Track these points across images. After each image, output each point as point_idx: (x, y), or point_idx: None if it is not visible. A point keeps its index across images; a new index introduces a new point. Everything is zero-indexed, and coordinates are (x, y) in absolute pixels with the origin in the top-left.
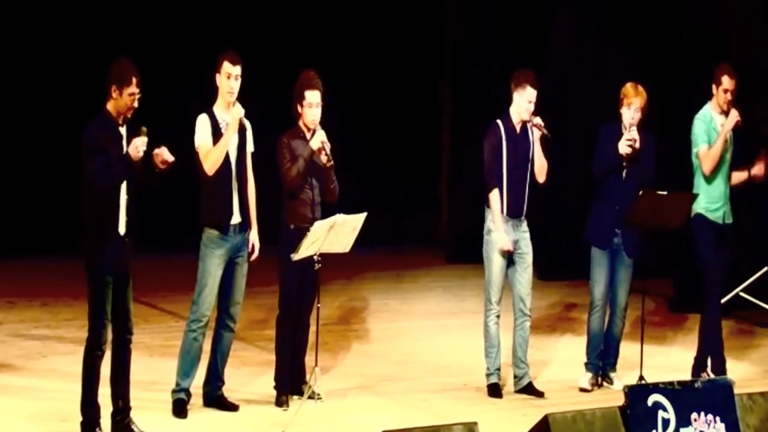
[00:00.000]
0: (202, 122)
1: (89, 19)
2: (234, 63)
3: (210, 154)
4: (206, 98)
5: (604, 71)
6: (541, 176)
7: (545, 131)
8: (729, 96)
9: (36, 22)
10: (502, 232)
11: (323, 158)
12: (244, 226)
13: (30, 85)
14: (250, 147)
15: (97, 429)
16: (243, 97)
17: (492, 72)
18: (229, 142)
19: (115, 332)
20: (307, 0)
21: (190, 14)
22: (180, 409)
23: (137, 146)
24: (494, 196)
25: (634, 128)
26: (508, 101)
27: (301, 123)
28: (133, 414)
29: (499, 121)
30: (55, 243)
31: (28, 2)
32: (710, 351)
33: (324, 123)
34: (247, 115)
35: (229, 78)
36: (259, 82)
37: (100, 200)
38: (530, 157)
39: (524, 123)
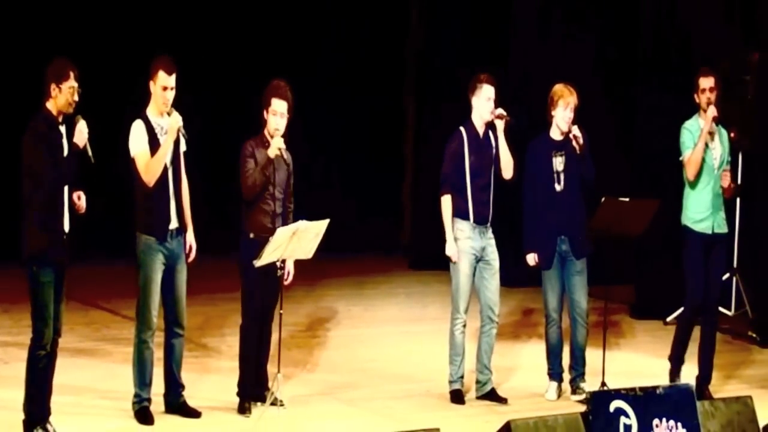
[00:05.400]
0: (138, 129)
1: (34, 23)
2: (169, 72)
3: (149, 166)
4: (140, 101)
5: (569, 70)
6: (507, 172)
7: (509, 118)
8: (708, 94)
9: None
10: (451, 241)
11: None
12: (181, 230)
13: None
14: (182, 147)
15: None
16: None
17: (455, 79)
18: (168, 152)
19: None
20: (272, 7)
21: (132, 15)
22: (145, 416)
23: (81, 130)
24: (446, 201)
25: (576, 127)
26: (469, 110)
27: (266, 131)
28: (53, 419)
29: (462, 128)
30: (14, 247)
31: None
32: (672, 356)
33: (287, 130)
34: (183, 114)
35: (165, 90)
36: (215, 88)
37: (44, 196)
38: (494, 161)
39: (487, 128)
